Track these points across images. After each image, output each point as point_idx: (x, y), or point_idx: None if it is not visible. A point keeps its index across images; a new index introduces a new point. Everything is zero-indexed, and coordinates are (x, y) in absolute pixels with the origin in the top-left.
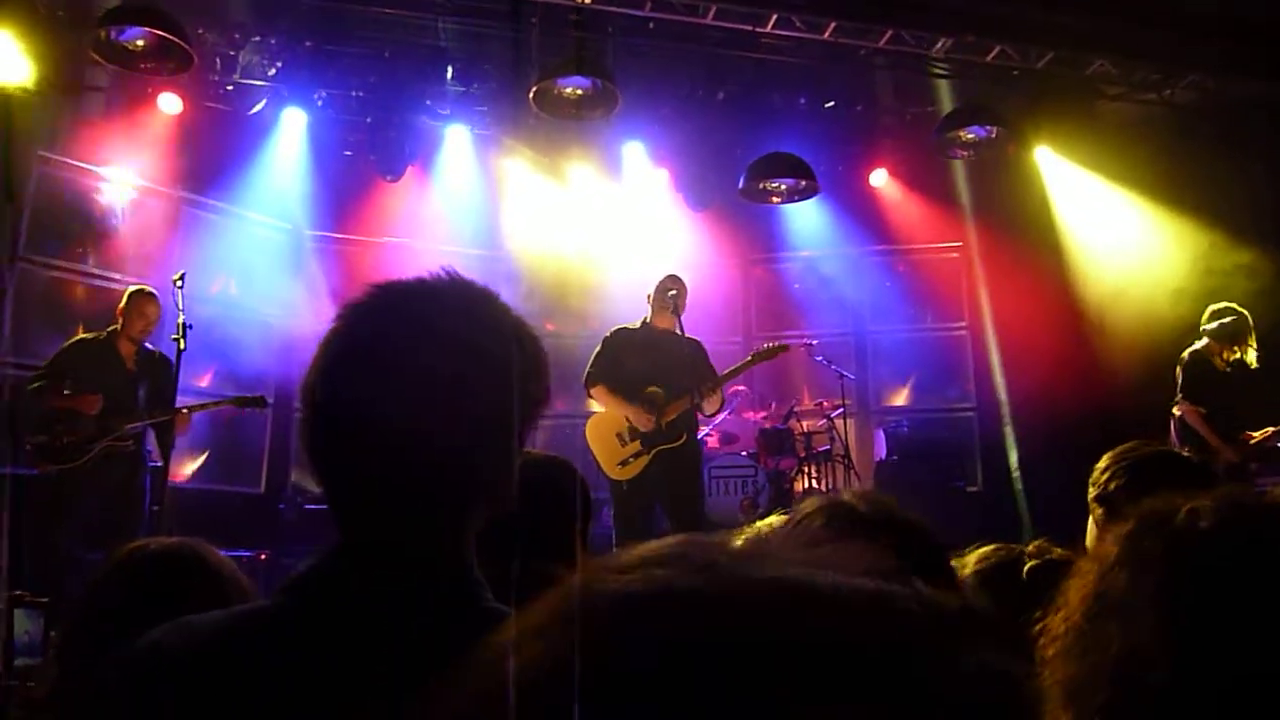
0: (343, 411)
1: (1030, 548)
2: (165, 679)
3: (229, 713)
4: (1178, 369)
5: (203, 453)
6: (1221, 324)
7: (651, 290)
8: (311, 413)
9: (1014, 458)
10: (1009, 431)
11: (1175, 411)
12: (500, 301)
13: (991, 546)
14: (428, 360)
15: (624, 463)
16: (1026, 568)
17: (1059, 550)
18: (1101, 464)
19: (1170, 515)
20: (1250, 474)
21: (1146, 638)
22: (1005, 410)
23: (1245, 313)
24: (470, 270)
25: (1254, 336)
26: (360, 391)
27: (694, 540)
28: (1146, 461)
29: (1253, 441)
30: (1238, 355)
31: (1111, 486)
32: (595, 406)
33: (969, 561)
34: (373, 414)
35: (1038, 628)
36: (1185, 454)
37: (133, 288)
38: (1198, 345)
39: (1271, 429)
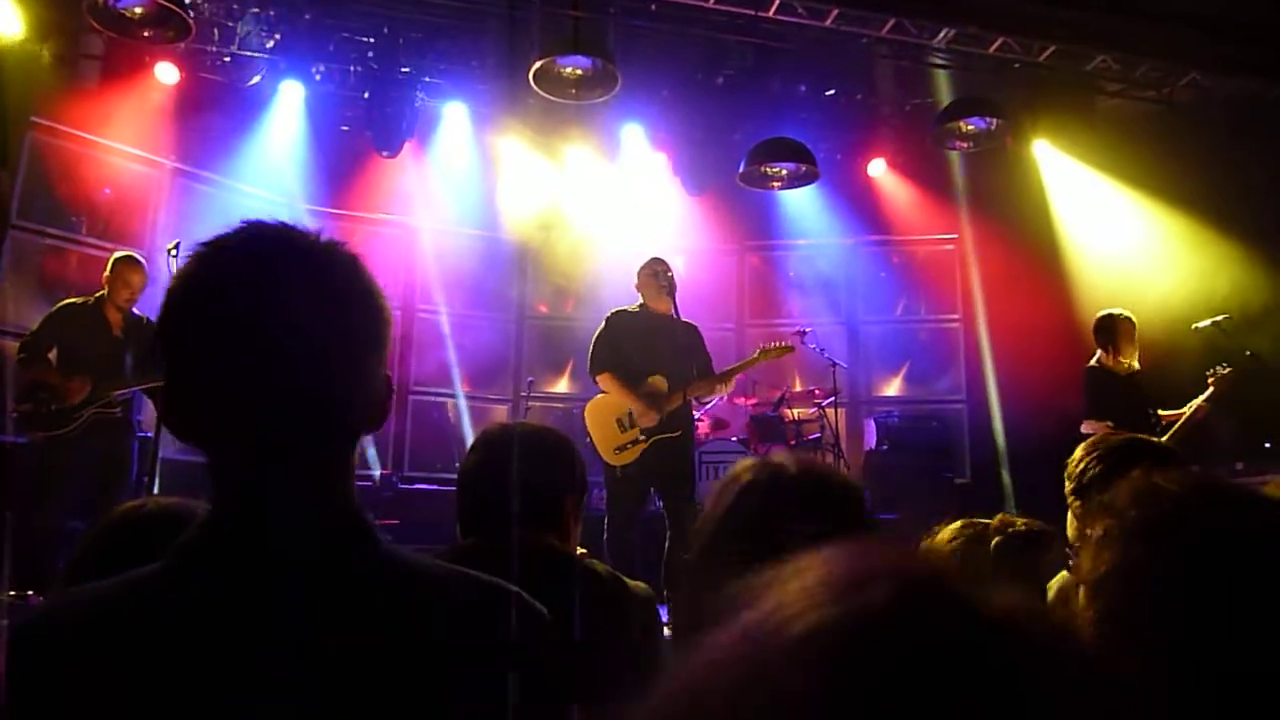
0: (198, 350)
1: (994, 522)
2: (46, 650)
3: (116, 677)
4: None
5: None
6: (1099, 329)
7: (639, 275)
8: (168, 359)
9: (1001, 449)
10: (997, 423)
11: (1085, 430)
12: (345, 249)
13: (959, 523)
14: (279, 298)
15: (621, 448)
16: (992, 544)
17: (1021, 521)
18: (1075, 457)
19: (1145, 490)
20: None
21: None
22: (994, 402)
23: (1118, 312)
24: (466, 250)
25: (1134, 333)
26: (212, 329)
27: None
28: (1116, 449)
29: (1171, 424)
30: (1131, 358)
31: (1085, 478)
32: (563, 388)
33: (940, 540)
34: (230, 351)
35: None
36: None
37: (118, 254)
38: (1091, 360)
39: (1185, 412)
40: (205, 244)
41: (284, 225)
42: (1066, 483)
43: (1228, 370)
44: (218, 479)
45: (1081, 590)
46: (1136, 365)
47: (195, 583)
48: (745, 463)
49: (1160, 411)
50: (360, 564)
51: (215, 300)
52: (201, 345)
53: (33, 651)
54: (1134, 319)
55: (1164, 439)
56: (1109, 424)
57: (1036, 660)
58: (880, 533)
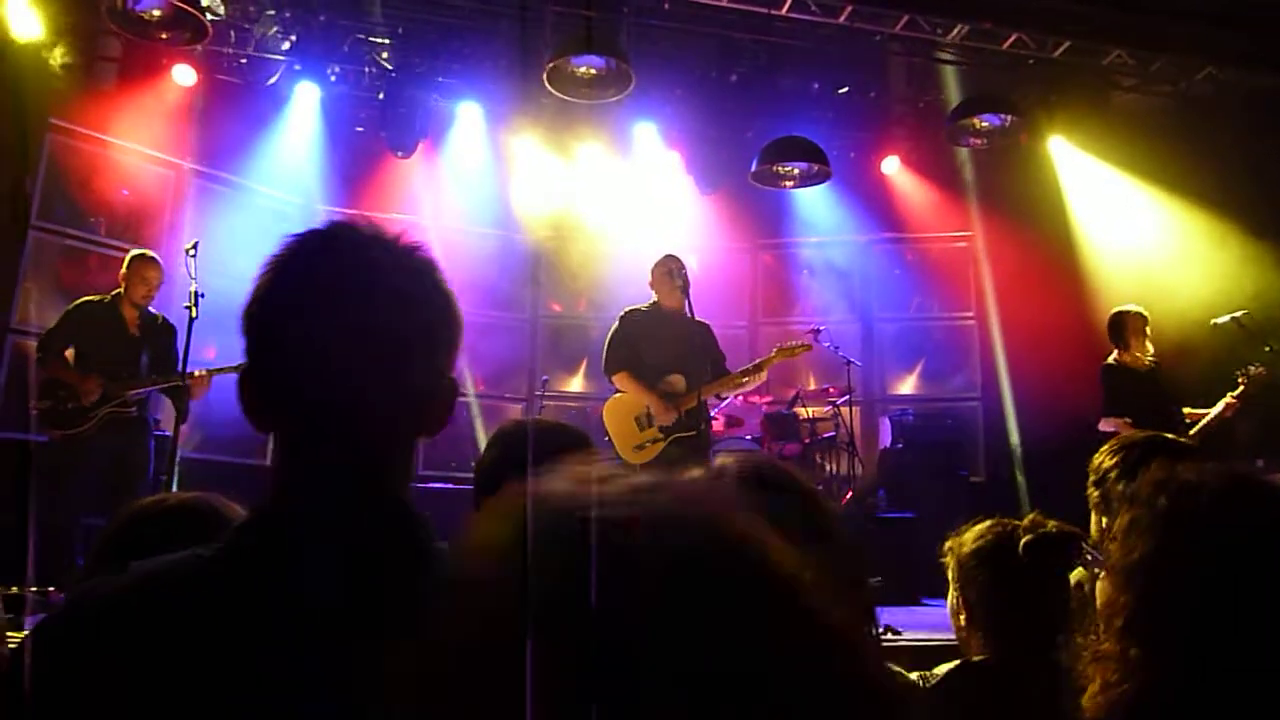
0: (281, 340)
1: (1025, 522)
2: (96, 629)
3: (165, 655)
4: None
5: (208, 425)
6: (1109, 327)
7: (652, 273)
8: (252, 343)
9: (1016, 447)
10: (1011, 421)
11: (1103, 428)
12: (425, 253)
13: (987, 523)
14: (363, 290)
15: (640, 447)
16: (1022, 543)
17: (1053, 523)
18: (1099, 454)
19: (1171, 481)
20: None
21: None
22: (1008, 400)
23: (1128, 309)
24: (480, 249)
25: (1144, 327)
26: (298, 321)
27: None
28: (1138, 444)
29: (1196, 424)
30: (1148, 353)
31: (1108, 473)
32: (577, 387)
33: (966, 540)
34: (326, 344)
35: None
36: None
37: (134, 252)
38: (1108, 358)
39: (1214, 410)
40: (295, 237)
41: (369, 225)
42: (1090, 476)
43: (1260, 369)
44: (280, 464)
45: (1108, 580)
46: (1154, 361)
47: (244, 565)
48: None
49: (1185, 410)
50: (409, 556)
51: (300, 291)
52: (282, 334)
53: (80, 634)
54: (1145, 313)
55: (1190, 434)
56: (1127, 420)
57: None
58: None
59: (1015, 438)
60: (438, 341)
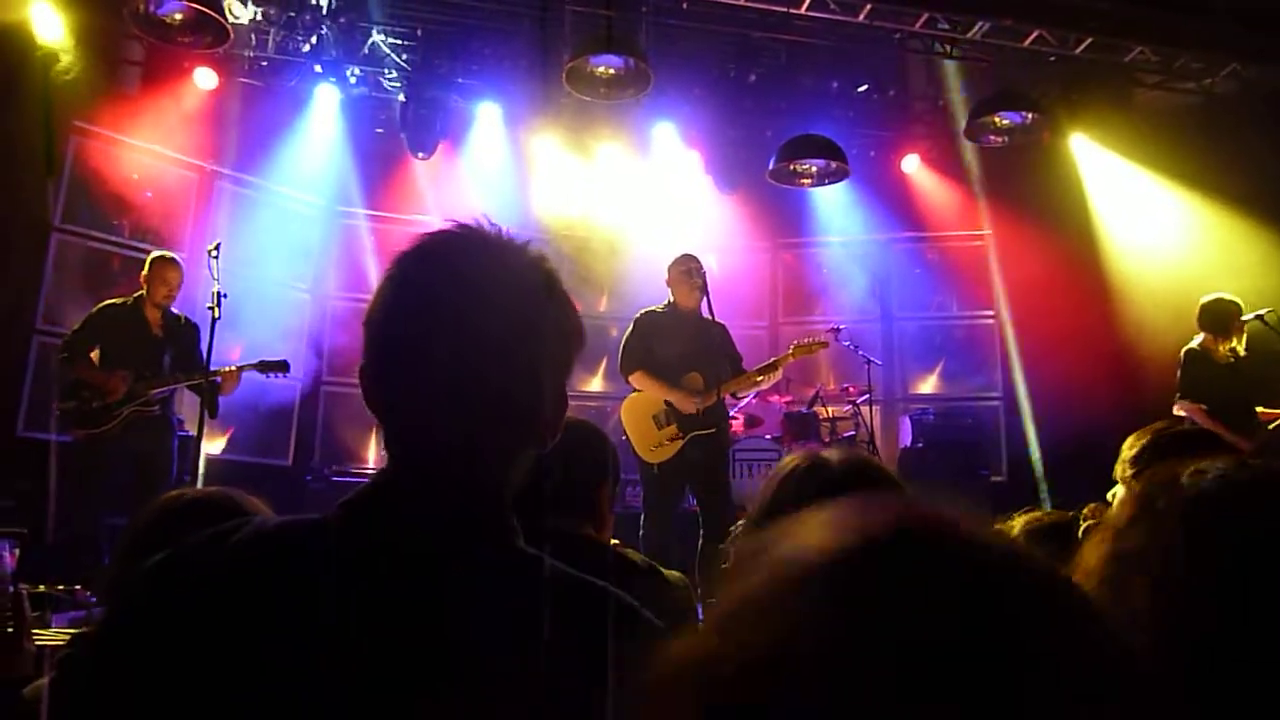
0: (402, 345)
1: (1085, 510)
2: (192, 582)
3: (255, 614)
4: (1178, 370)
5: (232, 425)
6: (1209, 315)
7: (669, 271)
8: (372, 346)
9: (1035, 446)
10: (1029, 421)
11: (1177, 411)
12: (538, 252)
13: (1043, 511)
14: (486, 299)
15: (658, 445)
16: (1083, 528)
17: (1079, 510)
18: (1128, 443)
19: (1179, 476)
20: None
21: (1164, 591)
22: (1026, 399)
23: (1232, 299)
24: None
25: (1243, 322)
26: (419, 326)
27: None
28: (1167, 438)
29: (1273, 422)
30: (1233, 345)
31: (1134, 463)
32: (596, 387)
33: (1016, 525)
34: (431, 349)
35: None
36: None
37: (155, 253)
38: (1193, 343)
39: None
40: (429, 235)
41: (491, 233)
42: (1117, 467)
43: None
44: (390, 454)
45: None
46: (1236, 355)
47: (336, 540)
48: (792, 456)
49: (1259, 409)
50: (492, 556)
51: (408, 299)
52: (403, 329)
53: (175, 579)
54: (1239, 305)
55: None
56: (1202, 407)
57: (1024, 594)
58: None
59: (1032, 436)
60: (552, 355)
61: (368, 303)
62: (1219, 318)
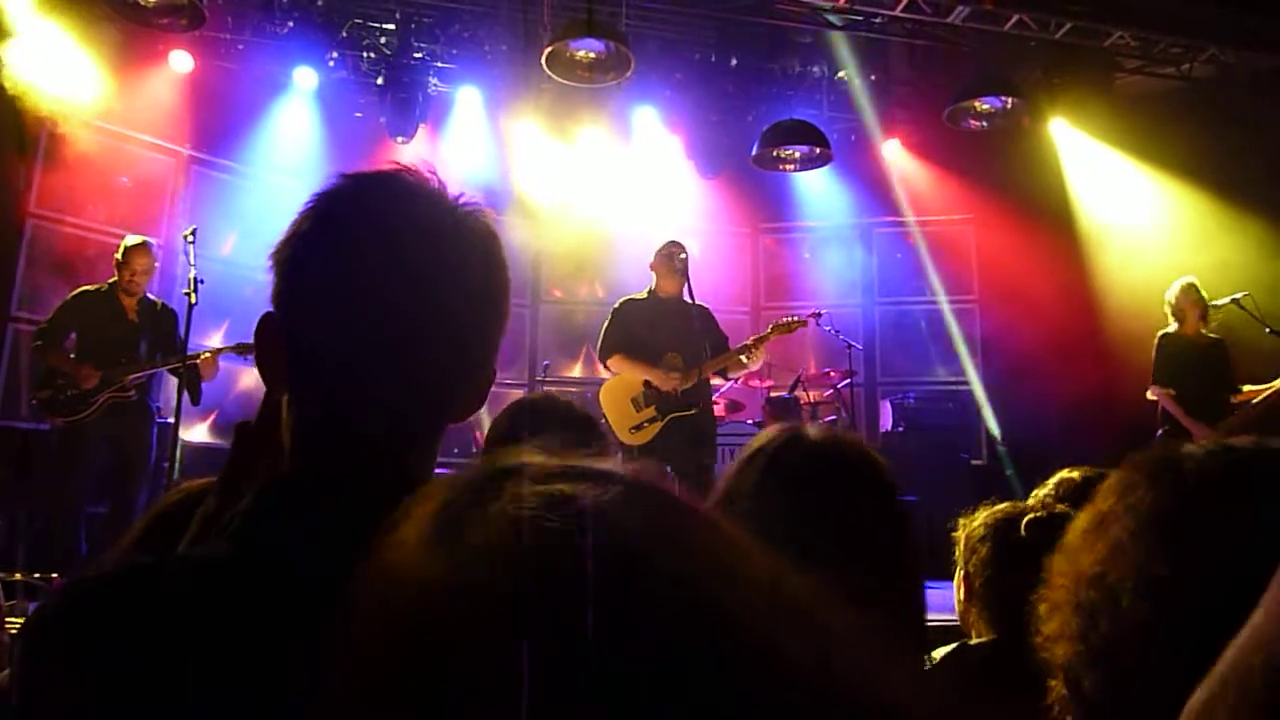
0: (352, 289)
1: (1033, 501)
2: (107, 618)
3: (175, 642)
4: (1153, 354)
5: (211, 412)
6: (1178, 299)
7: (653, 257)
8: (277, 288)
9: (995, 430)
10: (985, 407)
11: (1150, 396)
12: (487, 218)
13: (1005, 505)
14: (456, 250)
15: (637, 427)
16: (1025, 519)
17: (1061, 506)
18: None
19: (1158, 461)
20: None
21: (1138, 575)
22: (979, 386)
23: (1189, 282)
24: None
25: (1203, 302)
26: (374, 270)
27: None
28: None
29: (1254, 399)
30: (1201, 329)
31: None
32: (603, 373)
33: (978, 517)
34: (386, 295)
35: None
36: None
37: (128, 240)
38: (1167, 328)
39: (1276, 383)
40: (345, 177)
41: (428, 178)
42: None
43: None
44: (293, 432)
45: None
46: (1215, 336)
47: (255, 556)
48: (766, 431)
49: (1245, 387)
50: None
51: (339, 239)
52: (310, 284)
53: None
54: (1196, 285)
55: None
56: (1170, 392)
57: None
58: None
59: (991, 420)
60: (483, 321)
61: (283, 238)
62: (1187, 302)
